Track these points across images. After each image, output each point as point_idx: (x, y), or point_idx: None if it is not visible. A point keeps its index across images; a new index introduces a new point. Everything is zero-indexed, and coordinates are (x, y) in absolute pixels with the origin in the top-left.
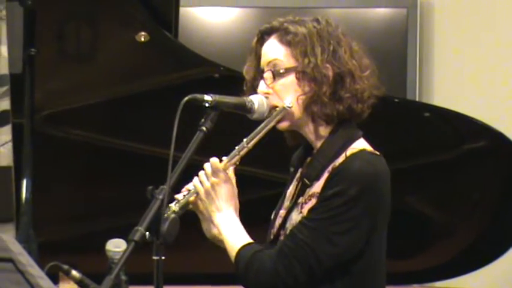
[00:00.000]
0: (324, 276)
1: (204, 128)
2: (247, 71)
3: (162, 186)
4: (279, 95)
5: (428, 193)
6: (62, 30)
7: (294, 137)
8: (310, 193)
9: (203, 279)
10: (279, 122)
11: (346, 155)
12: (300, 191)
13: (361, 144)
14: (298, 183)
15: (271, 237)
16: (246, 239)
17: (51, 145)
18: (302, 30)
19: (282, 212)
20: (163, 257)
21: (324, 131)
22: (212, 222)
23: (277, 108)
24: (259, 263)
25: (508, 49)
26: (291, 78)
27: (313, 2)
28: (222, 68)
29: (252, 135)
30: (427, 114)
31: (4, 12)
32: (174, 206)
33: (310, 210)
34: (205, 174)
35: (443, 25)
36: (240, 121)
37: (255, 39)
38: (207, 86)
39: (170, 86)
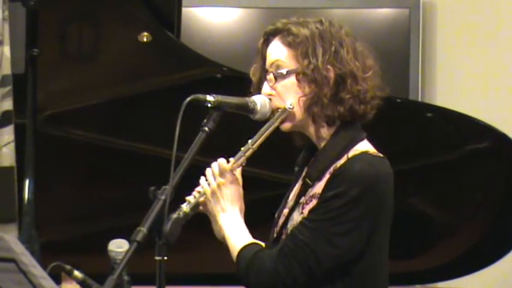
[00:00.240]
0: (325, 277)
1: (206, 129)
2: (253, 73)
3: (164, 187)
4: (281, 96)
5: (431, 194)
6: (65, 30)
7: (301, 138)
8: (311, 194)
9: (205, 280)
10: (281, 123)
11: (347, 156)
12: (302, 191)
13: (364, 146)
14: (302, 183)
15: (274, 236)
16: (248, 239)
17: (54, 145)
18: (304, 31)
19: (285, 211)
20: (165, 257)
21: (326, 132)
22: (217, 222)
23: (279, 109)
24: (259, 263)
25: (511, 49)
26: (292, 79)
27: (315, 3)
28: (224, 69)
29: (256, 136)
30: (429, 114)
31: (7, 13)
32: (185, 207)
33: (311, 211)
34: (213, 174)
35: (446, 25)
36: (243, 121)
37: (261, 41)
38: (209, 86)
39: (172, 86)
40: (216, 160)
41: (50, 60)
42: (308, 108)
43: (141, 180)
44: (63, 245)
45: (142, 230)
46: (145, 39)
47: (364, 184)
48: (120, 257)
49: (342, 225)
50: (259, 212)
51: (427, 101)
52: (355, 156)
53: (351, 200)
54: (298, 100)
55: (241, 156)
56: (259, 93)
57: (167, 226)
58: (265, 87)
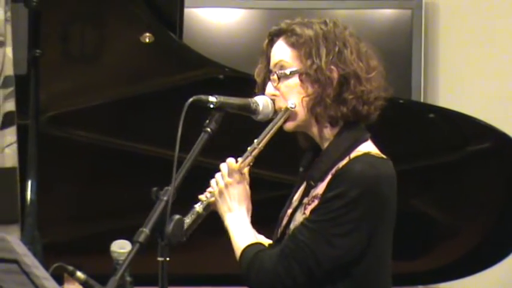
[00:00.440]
0: (326, 278)
1: (208, 129)
2: (258, 73)
3: (166, 188)
4: (284, 96)
5: (433, 194)
6: (67, 31)
7: (306, 139)
8: (313, 194)
9: (208, 281)
10: (285, 122)
11: (350, 157)
12: (305, 192)
13: (366, 147)
14: (306, 183)
15: (277, 236)
16: (252, 239)
17: (56, 146)
18: (308, 32)
19: (289, 212)
20: (167, 258)
21: (330, 132)
22: (224, 222)
23: (282, 109)
24: (260, 263)
25: None
26: (296, 79)
27: (318, 4)
28: (226, 69)
29: (261, 136)
30: (431, 115)
31: (9, 14)
32: (198, 207)
33: (312, 212)
34: (221, 174)
35: (448, 26)
36: (245, 122)
37: (266, 41)
38: (211, 87)
39: (175, 87)
40: (219, 160)
41: (52, 61)
42: (311, 109)
43: (144, 181)
44: (66, 245)
45: (145, 231)
46: (147, 40)
47: (364, 185)
48: (122, 258)
49: (342, 226)
50: (266, 212)
51: (429, 101)
52: (357, 157)
53: (351, 201)
54: (302, 100)
55: (248, 156)
56: (263, 94)
57: (169, 227)
58: (269, 88)
